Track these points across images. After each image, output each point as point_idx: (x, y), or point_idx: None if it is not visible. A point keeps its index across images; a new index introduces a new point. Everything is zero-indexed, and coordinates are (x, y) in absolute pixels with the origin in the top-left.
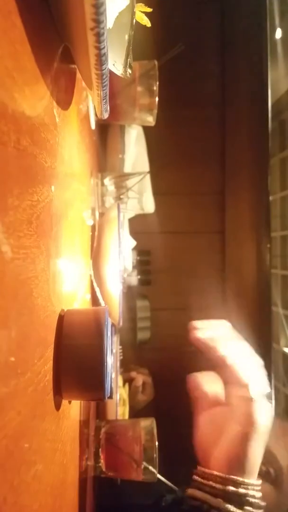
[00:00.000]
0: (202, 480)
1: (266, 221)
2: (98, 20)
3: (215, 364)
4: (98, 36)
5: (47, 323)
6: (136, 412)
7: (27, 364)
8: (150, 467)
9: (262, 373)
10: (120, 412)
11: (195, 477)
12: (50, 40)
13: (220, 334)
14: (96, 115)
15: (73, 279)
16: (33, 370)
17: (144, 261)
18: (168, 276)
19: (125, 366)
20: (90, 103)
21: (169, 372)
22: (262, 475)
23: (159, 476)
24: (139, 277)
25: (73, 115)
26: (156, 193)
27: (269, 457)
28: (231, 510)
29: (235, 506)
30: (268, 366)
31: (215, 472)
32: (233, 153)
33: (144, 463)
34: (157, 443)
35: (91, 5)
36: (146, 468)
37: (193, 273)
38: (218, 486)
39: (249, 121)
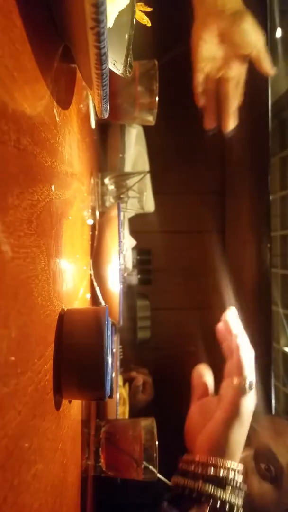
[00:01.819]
0: (185, 467)
1: (266, 221)
2: (98, 19)
3: (229, 353)
4: (98, 35)
5: (47, 323)
6: (136, 412)
7: (27, 363)
8: (150, 467)
9: (253, 364)
10: (120, 411)
11: (180, 465)
12: (50, 39)
13: (237, 324)
14: (96, 114)
15: (73, 279)
16: (33, 370)
17: (144, 260)
18: (168, 276)
19: (125, 365)
20: (90, 102)
21: (169, 371)
22: (262, 474)
23: (159, 475)
24: (139, 276)
25: (73, 115)
26: (156, 192)
27: (269, 456)
28: (210, 490)
29: (215, 487)
30: (268, 366)
31: (197, 457)
32: (233, 152)
33: (144, 463)
34: (157, 443)
35: (91, 5)
36: (146, 468)
37: (193, 272)
38: (199, 470)
39: (249, 120)
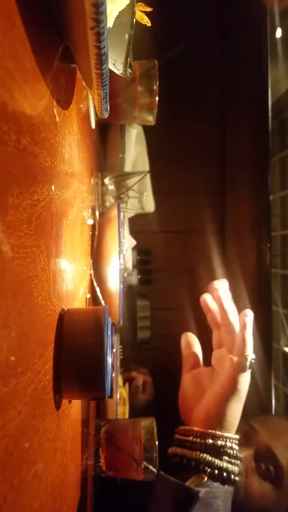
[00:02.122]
0: (182, 437)
1: (266, 221)
2: (98, 19)
3: (224, 325)
4: (98, 35)
5: (47, 323)
6: (136, 412)
7: (27, 363)
8: (150, 467)
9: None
10: (120, 411)
11: (177, 436)
12: (50, 39)
13: (227, 296)
14: (96, 114)
15: (73, 279)
16: (33, 370)
17: (145, 260)
18: (168, 276)
19: (125, 365)
20: (90, 102)
21: (169, 371)
22: (263, 474)
23: None
24: (139, 276)
25: (73, 115)
26: (157, 192)
27: (269, 456)
28: (208, 459)
29: (213, 456)
30: (268, 366)
31: (195, 428)
32: (233, 152)
33: (144, 463)
34: (157, 443)
35: (91, 5)
36: (146, 468)
37: (193, 272)
38: (197, 440)
39: (249, 120)
